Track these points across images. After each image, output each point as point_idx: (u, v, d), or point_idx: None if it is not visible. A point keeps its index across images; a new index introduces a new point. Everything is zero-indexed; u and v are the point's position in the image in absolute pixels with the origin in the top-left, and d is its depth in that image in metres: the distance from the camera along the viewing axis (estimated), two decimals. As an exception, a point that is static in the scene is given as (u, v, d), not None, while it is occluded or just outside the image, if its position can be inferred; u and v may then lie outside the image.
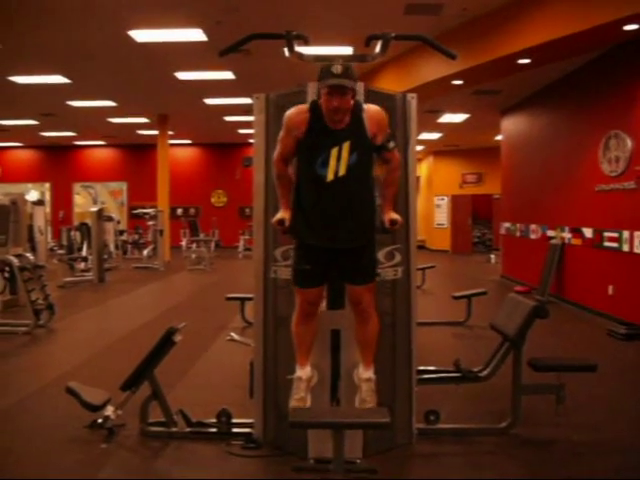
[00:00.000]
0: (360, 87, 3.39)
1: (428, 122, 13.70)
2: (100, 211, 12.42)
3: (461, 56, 4.34)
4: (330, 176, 3.04)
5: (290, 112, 3.16)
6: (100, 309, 9.06)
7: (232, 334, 5.49)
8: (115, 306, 9.33)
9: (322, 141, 3.06)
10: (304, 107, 3.15)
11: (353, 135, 3.05)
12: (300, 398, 3.19)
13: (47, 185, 21.55)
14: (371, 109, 3.13)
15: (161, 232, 14.61)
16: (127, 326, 7.41)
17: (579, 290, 8.80)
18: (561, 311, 8.41)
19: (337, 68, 2.92)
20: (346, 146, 3.03)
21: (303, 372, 3.25)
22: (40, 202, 13.41)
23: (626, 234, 7.33)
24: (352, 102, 3.03)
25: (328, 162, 3.04)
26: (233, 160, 20.87)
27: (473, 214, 19.83)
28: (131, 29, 8.19)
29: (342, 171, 3.04)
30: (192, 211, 20.64)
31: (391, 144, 3.15)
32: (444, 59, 3.58)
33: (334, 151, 3.03)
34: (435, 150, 19.60)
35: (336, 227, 3.10)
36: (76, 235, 13.39)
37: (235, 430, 3.73)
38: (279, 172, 3.24)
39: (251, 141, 3.86)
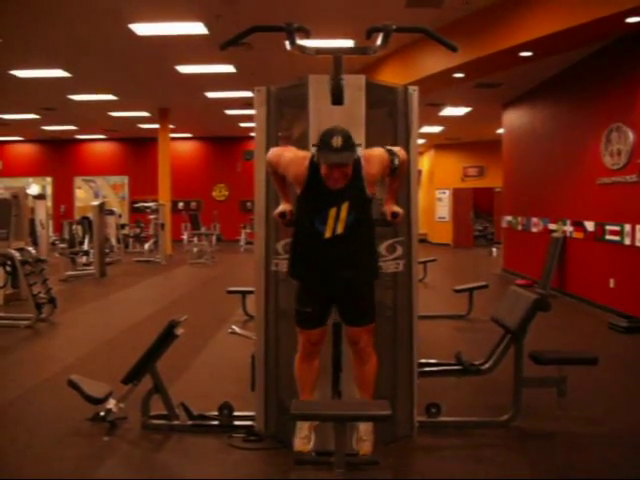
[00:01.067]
0: (362, 80, 3.38)
1: (430, 115, 13.66)
2: (101, 205, 12.43)
3: (463, 49, 4.34)
4: (328, 234, 3.01)
5: (290, 158, 3.08)
6: (102, 303, 9.07)
7: (233, 327, 5.49)
8: (117, 300, 9.34)
9: (320, 201, 3.01)
10: (305, 160, 3.05)
11: (352, 195, 2.99)
12: (304, 436, 3.19)
13: (48, 179, 21.53)
14: (370, 164, 3.02)
15: (162, 226, 14.61)
16: (129, 320, 7.42)
17: (581, 283, 8.79)
18: (563, 304, 8.41)
19: (337, 141, 2.83)
20: (345, 207, 2.98)
21: None
22: (41, 196, 13.39)
23: (628, 227, 7.32)
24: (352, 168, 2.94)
25: (326, 221, 3.00)
26: (234, 154, 20.84)
27: (474, 207, 19.78)
28: (132, 22, 8.16)
29: (340, 230, 3.00)
30: (193, 205, 20.62)
31: (396, 162, 3.08)
32: (446, 52, 3.57)
33: (332, 212, 2.99)
34: (437, 143, 19.55)
35: (334, 273, 3.10)
36: (77, 229, 13.39)
37: (237, 423, 3.74)
38: (273, 170, 3.23)
39: (252, 134, 3.85)
